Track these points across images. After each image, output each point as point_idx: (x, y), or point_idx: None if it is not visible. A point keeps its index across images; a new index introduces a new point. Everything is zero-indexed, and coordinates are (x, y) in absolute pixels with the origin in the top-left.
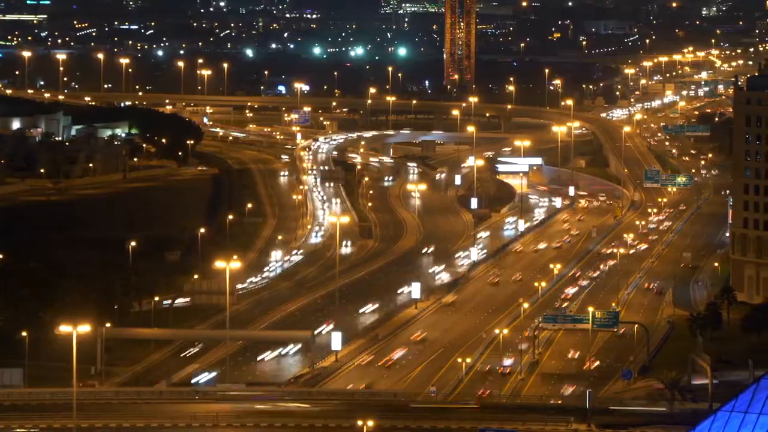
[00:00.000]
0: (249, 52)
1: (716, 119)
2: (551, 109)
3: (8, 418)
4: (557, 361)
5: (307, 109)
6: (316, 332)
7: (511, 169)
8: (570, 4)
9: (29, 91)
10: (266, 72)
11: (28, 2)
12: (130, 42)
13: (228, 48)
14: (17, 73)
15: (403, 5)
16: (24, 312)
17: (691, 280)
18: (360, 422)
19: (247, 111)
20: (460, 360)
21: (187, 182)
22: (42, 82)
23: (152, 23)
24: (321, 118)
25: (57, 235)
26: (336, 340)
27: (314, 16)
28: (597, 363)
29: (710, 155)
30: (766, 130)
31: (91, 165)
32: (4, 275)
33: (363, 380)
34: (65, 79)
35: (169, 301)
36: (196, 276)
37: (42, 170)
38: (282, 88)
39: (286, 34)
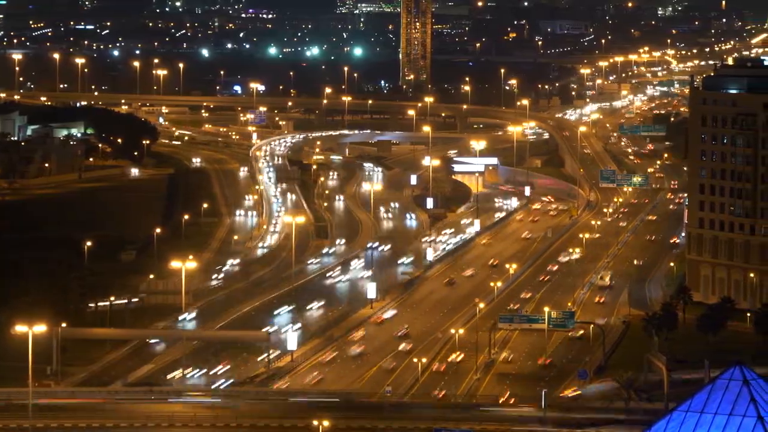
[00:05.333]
0: (204, 52)
1: (672, 119)
2: (507, 110)
3: None
4: (513, 361)
5: (262, 109)
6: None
7: (466, 169)
8: (525, 4)
9: None
10: (222, 72)
11: None
12: (85, 42)
13: (184, 48)
14: None
15: (359, 5)
16: None
17: (647, 279)
18: (315, 422)
19: (202, 111)
20: (415, 360)
21: (142, 182)
22: None
23: (108, 23)
24: (277, 118)
25: (12, 234)
26: (292, 340)
27: (270, 16)
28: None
29: (666, 155)
30: (721, 130)
31: (46, 165)
32: None
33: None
34: (21, 78)
35: (125, 300)
36: (151, 276)
37: None
38: (238, 88)
39: (241, 34)
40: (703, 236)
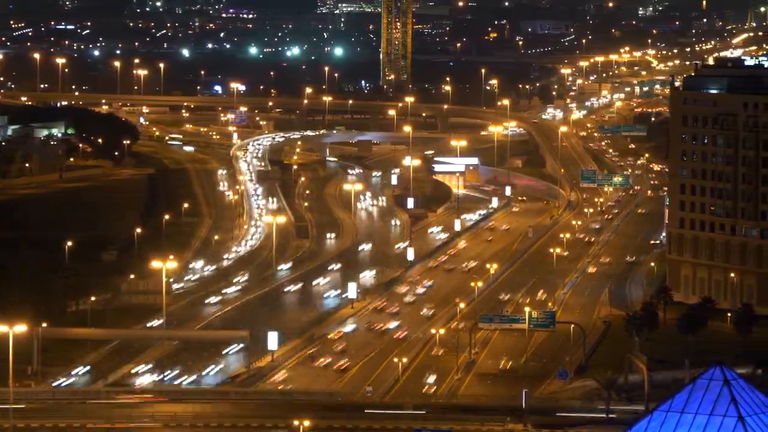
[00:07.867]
0: (185, 52)
1: (653, 119)
2: (488, 109)
3: None
4: (494, 361)
5: (243, 109)
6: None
7: (447, 169)
8: (506, 4)
9: None
10: (202, 72)
11: None
12: (66, 42)
13: (164, 48)
14: None
15: (340, 5)
16: None
17: (628, 279)
18: (296, 422)
19: (183, 111)
20: (396, 360)
21: (123, 182)
22: None
23: (88, 23)
24: (257, 118)
25: None
26: (272, 340)
27: (250, 15)
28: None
29: (646, 155)
30: (702, 130)
31: (27, 165)
32: None
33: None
34: (1, 78)
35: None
36: (132, 276)
37: None
38: (218, 88)
39: (222, 34)
40: (683, 236)
